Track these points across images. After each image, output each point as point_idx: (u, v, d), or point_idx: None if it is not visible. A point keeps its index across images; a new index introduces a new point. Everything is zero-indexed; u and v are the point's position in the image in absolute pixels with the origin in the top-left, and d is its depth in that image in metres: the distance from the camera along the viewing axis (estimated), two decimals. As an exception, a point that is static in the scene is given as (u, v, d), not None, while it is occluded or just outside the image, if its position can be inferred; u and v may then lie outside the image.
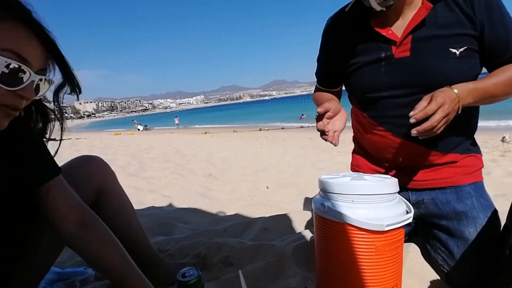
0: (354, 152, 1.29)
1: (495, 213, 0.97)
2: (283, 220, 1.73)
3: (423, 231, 1.10)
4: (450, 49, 0.88)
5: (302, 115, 22.61)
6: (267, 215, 1.82)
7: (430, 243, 1.06)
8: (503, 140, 5.43)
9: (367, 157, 1.18)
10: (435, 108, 0.76)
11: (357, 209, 0.79)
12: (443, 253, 1.00)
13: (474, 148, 1.04)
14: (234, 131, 14.31)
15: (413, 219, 1.04)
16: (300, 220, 1.70)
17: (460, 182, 1.00)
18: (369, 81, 0.99)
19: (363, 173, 1.05)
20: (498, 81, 0.87)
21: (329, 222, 0.83)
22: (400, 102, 0.96)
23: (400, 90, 0.95)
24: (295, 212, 1.82)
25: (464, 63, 0.89)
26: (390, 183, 0.83)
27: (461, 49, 0.88)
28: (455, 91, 0.81)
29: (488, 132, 6.92)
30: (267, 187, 2.74)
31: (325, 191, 0.87)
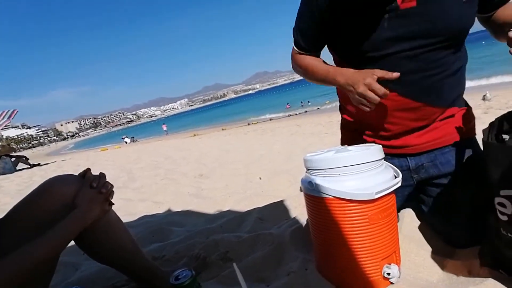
0: (343, 127, 1.23)
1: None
2: (278, 208, 1.71)
3: (421, 194, 1.08)
4: None
5: (288, 104, 22.63)
6: (261, 205, 1.79)
7: (429, 204, 1.05)
8: (484, 98, 5.53)
9: (362, 129, 1.10)
10: None
11: (345, 182, 0.77)
12: (441, 212, 1.00)
13: (466, 102, 1.04)
14: (222, 129, 14.21)
15: (413, 184, 1.04)
16: (295, 205, 1.68)
17: (457, 139, 0.98)
18: (372, 37, 0.90)
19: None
20: None
21: (318, 199, 0.80)
22: (406, 57, 0.89)
23: (406, 44, 0.88)
24: (289, 198, 1.80)
25: (468, 8, 0.87)
26: (374, 150, 0.81)
27: None
28: None
29: (468, 92, 7.05)
30: (260, 178, 2.71)
31: (311, 168, 0.84)
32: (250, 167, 3.35)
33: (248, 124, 14.37)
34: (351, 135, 1.17)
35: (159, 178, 3.60)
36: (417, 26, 0.86)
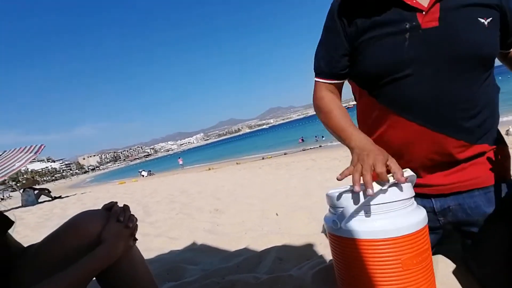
0: None
1: None
2: (298, 247, 1.63)
3: (450, 238, 1.00)
4: (479, 19, 0.82)
5: (300, 138, 22.67)
6: (280, 244, 1.72)
7: (465, 251, 0.97)
8: (507, 133, 5.37)
9: None
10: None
11: (372, 222, 0.72)
12: (475, 261, 0.91)
13: (500, 139, 0.96)
14: (237, 163, 14.25)
15: (441, 227, 0.96)
16: (316, 243, 1.61)
17: (489, 183, 0.90)
18: (391, 56, 0.85)
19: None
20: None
21: (345, 240, 0.75)
22: (426, 80, 0.84)
23: (425, 66, 0.83)
24: (309, 236, 1.73)
25: (491, 34, 0.84)
26: (405, 188, 0.76)
27: (488, 20, 0.82)
28: None
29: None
30: (277, 214, 2.63)
31: (334, 206, 0.80)
32: (266, 203, 3.28)
33: (263, 159, 14.36)
34: None
35: (174, 213, 3.57)
36: (439, 47, 0.83)
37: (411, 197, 0.77)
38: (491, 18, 0.83)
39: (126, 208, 0.88)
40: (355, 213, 0.75)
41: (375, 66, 0.89)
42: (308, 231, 1.98)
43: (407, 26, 0.84)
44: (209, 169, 13.87)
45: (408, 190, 0.76)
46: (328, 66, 1.01)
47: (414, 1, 0.85)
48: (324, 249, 1.51)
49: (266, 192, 4.03)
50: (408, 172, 0.80)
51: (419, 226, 0.71)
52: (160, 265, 1.66)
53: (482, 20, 0.82)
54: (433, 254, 1.06)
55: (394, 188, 0.74)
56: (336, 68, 1.00)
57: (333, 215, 0.81)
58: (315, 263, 1.31)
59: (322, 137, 20.64)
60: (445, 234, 1.01)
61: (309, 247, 1.59)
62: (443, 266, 1.01)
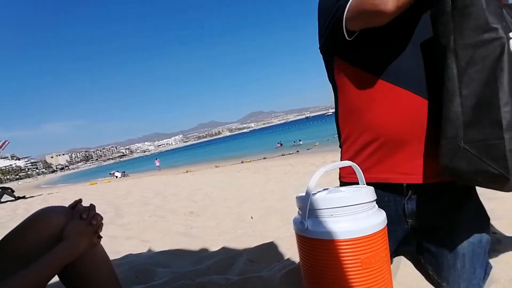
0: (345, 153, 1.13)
1: (487, 219, 0.96)
2: (270, 249, 1.65)
3: (415, 241, 1.06)
4: None
5: (278, 143, 22.90)
6: (252, 246, 1.73)
7: (422, 254, 1.03)
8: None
9: (366, 153, 1.01)
10: None
11: (337, 223, 0.76)
12: (433, 264, 0.97)
13: None
14: (216, 166, 14.14)
15: (407, 229, 1.01)
16: (287, 246, 1.63)
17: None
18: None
19: (357, 179, 0.95)
20: None
21: (310, 241, 0.79)
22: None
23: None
24: (281, 238, 1.75)
25: None
26: (367, 191, 0.81)
27: None
28: None
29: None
30: (252, 217, 2.64)
31: (303, 208, 0.83)
32: (242, 206, 3.29)
33: (242, 162, 14.36)
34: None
35: (147, 215, 3.49)
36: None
37: (373, 201, 0.81)
38: None
39: (91, 207, 0.88)
40: (321, 215, 0.78)
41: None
42: (281, 233, 2.01)
43: None
44: (187, 171, 13.68)
45: (370, 194, 0.81)
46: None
47: None
48: (295, 251, 1.53)
49: (242, 196, 4.03)
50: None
51: (378, 228, 0.76)
52: (129, 267, 1.62)
53: None
54: (397, 255, 1.12)
55: (357, 193, 0.79)
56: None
57: (301, 217, 0.84)
58: (285, 264, 1.33)
59: (300, 141, 21.02)
60: (410, 236, 1.06)
61: (280, 249, 1.61)
62: (404, 266, 1.06)
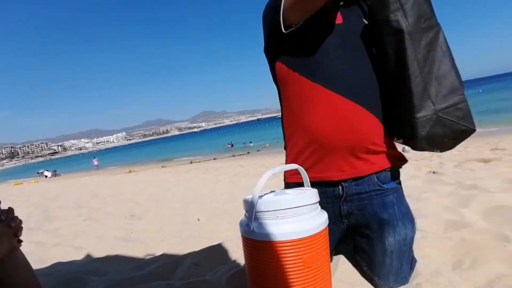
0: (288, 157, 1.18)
1: (411, 219, 1.05)
2: (216, 252, 1.62)
3: (351, 239, 1.12)
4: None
5: (228, 144, 22.88)
6: (198, 249, 1.68)
7: (357, 252, 1.10)
8: (403, 150, 6.31)
9: (305, 154, 1.06)
10: None
11: (282, 224, 0.77)
12: (366, 260, 1.05)
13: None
14: (162, 166, 13.58)
15: (344, 229, 1.07)
16: (233, 248, 1.62)
17: (388, 165, 1.02)
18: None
19: (302, 178, 0.98)
20: None
21: (255, 242, 0.78)
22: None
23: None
24: (229, 240, 1.73)
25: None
26: (311, 194, 0.83)
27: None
28: None
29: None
30: (198, 219, 2.58)
31: (249, 211, 0.82)
32: (189, 207, 3.19)
33: (191, 163, 14.02)
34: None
35: (81, 219, 3.18)
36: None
37: (316, 203, 0.84)
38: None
39: (10, 210, 0.83)
40: (267, 217, 0.79)
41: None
42: (228, 235, 1.98)
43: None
44: (130, 171, 12.89)
45: (314, 196, 0.84)
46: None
47: None
48: (241, 253, 1.53)
49: (190, 197, 3.92)
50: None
51: (320, 228, 0.79)
52: (56, 277, 1.45)
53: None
54: (337, 253, 1.17)
55: (302, 195, 0.81)
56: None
57: (247, 219, 0.83)
58: (231, 267, 1.32)
59: (250, 142, 21.21)
60: (346, 235, 1.12)
61: (227, 252, 1.59)
62: (343, 264, 1.12)
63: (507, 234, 1.29)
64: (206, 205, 3.25)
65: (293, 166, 0.92)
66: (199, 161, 14.30)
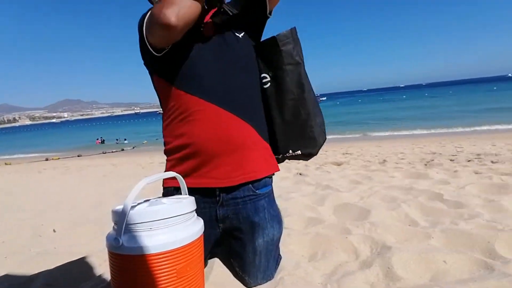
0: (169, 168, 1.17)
1: (279, 220, 1.17)
2: (76, 267, 1.40)
3: (226, 242, 1.17)
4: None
5: (98, 139, 20.10)
6: (53, 267, 1.42)
7: (231, 254, 1.16)
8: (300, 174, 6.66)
9: (184, 161, 1.08)
10: None
11: (155, 236, 0.74)
12: (238, 261, 1.13)
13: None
14: (6, 164, 10.72)
15: (219, 232, 1.11)
16: (99, 262, 1.44)
17: (262, 174, 1.10)
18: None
19: (178, 186, 0.98)
20: None
21: (124, 257, 0.72)
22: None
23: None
24: (93, 254, 1.52)
25: (245, 41, 1.17)
26: (188, 202, 0.83)
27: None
28: None
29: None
30: (54, 231, 2.16)
31: (119, 223, 0.74)
32: (43, 216, 2.64)
33: (47, 160, 11.62)
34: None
35: None
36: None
37: (193, 211, 0.84)
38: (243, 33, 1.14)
39: None
40: (139, 229, 0.74)
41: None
42: (92, 247, 1.74)
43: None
44: (-50, 170, 9.62)
45: (190, 204, 0.84)
46: None
47: None
48: (107, 267, 1.37)
49: (45, 203, 3.25)
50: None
51: (195, 237, 0.80)
52: None
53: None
54: (212, 256, 1.20)
55: (178, 204, 0.80)
56: None
57: (116, 232, 0.74)
58: (94, 284, 1.17)
59: (125, 139, 19.28)
60: (222, 238, 1.17)
61: (90, 267, 1.40)
62: (217, 266, 1.16)
63: (348, 227, 1.60)
64: (65, 212, 2.76)
65: (170, 174, 0.90)
66: (58, 158, 11.99)
